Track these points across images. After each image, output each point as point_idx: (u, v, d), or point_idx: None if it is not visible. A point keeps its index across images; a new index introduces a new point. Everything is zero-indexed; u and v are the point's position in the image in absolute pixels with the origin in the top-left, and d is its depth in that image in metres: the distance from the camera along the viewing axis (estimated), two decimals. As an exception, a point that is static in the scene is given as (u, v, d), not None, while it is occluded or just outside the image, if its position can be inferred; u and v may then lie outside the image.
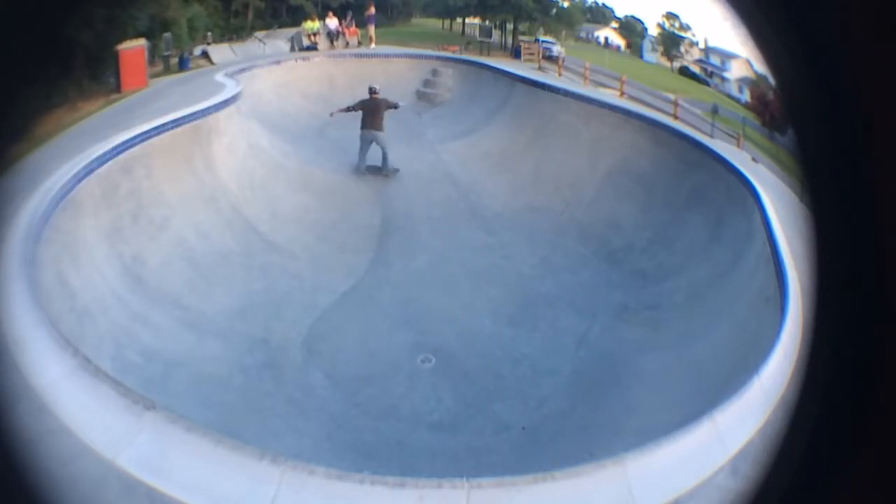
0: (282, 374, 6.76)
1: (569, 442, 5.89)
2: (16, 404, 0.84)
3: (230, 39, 18.17)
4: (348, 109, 11.12)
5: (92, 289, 6.40)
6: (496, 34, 22.58)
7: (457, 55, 17.22)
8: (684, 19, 23.95)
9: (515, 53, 20.24)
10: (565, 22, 25.23)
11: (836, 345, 0.64)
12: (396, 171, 11.25)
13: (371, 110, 10.97)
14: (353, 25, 18.10)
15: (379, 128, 10.94)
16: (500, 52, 20.76)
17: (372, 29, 17.79)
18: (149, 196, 8.21)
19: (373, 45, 17.41)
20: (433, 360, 7.22)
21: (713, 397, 4.44)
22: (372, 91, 11.26)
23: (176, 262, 7.87)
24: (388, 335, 7.56)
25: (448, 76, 15.39)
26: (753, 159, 10.61)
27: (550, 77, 15.45)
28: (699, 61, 23.20)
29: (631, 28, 25.90)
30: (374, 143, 11.00)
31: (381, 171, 11.17)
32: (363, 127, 10.97)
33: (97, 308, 6.26)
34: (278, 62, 14.98)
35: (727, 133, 13.97)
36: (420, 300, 8.35)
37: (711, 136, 12.03)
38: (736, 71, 21.02)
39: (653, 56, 24.50)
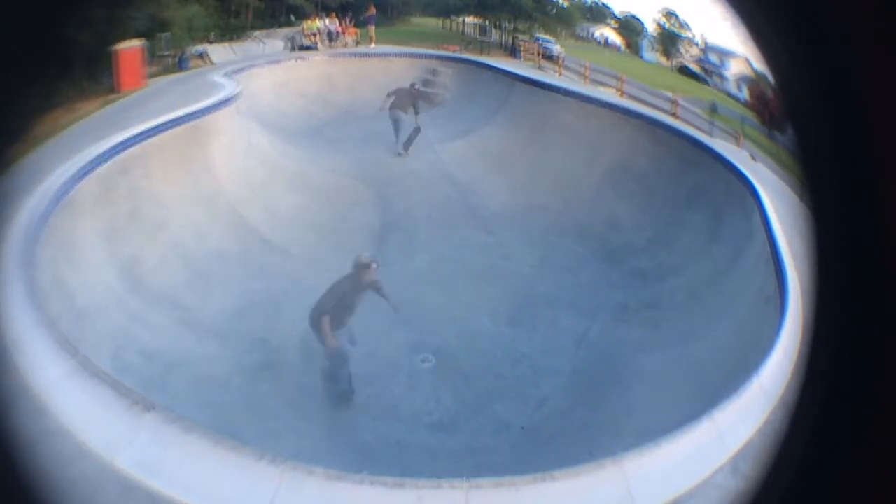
0: (281, 374, 6.75)
1: (569, 442, 5.89)
2: (14, 405, 0.84)
3: (229, 39, 18.13)
4: (388, 96, 12.02)
5: (90, 289, 6.39)
6: (495, 33, 22.56)
7: (456, 55, 17.20)
8: (683, 18, 23.96)
9: (515, 53, 20.22)
10: (564, 21, 25.21)
11: (836, 345, 0.64)
12: (414, 137, 12.05)
13: (400, 94, 12.06)
14: (352, 25, 18.10)
15: (402, 109, 11.90)
16: (500, 52, 20.73)
17: (372, 29, 17.81)
18: (147, 196, 8.20)
19: (373, 45, 17.42)
20: (433, 360, 7.22)
21: (713, 397, 4.44)
22: (412, 84, 12.64)
23: (174, 262, 7.87)
24: (387, 335, 7.55)
25: (447, 76, 15.38)
26: (753, 158, 10.62)
27: (550, 76, 15.45)
28: (698, 60, 23.20)
29: (630, 27, 25.89)
30: (399, 124, 11.92)
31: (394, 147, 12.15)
32: (390, 107, 11.95)
33: (96, 308, 6.26)
34: (277, 62, 14.98)
35: (726, 132, 13.96)
36: (419, 300, 8.34)
37: (711, 134, 12.03)
38: (735, 69, 21.01)
39: (652, 55, 24.50)
